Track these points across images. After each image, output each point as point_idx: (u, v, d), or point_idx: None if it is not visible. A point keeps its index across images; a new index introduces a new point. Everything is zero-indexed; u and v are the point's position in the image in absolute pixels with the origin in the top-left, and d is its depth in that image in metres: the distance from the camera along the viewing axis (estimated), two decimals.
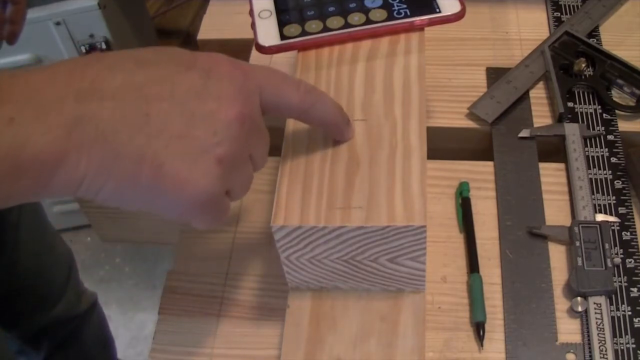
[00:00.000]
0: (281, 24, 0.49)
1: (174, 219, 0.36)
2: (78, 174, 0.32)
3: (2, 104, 0.30)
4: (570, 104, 0.63)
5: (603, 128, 0.61)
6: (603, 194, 0.56)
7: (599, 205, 0.55)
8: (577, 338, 0.49)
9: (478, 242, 0.54)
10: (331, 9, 0.50)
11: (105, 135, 0.32)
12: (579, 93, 0.64)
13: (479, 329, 0.50)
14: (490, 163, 0.60)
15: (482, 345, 0.49)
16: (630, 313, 0.50)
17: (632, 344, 0.48)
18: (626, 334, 0.49)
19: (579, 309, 0.50)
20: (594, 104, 0.63)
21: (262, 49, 0.48)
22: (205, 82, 0.35)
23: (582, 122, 0.61)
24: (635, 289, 0.51)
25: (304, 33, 0.48)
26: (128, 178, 0.33)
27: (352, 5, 0.50)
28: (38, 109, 0.31)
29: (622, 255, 0.52)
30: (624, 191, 0.56)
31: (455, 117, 0.64)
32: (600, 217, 0.54)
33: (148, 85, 0.33)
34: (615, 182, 0.57)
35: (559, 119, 0.61)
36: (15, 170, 0.30)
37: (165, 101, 0.33)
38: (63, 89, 0.32)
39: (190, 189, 0.34)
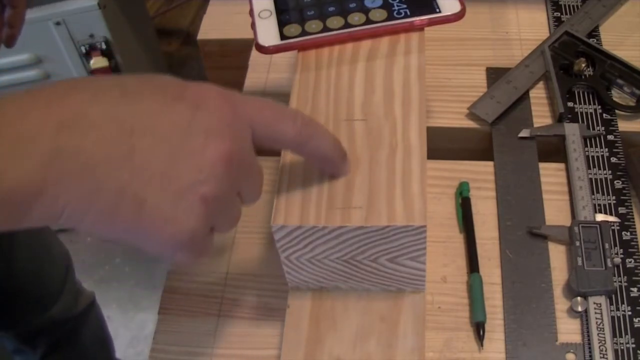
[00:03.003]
0: (281, 24, 0.49)
1: (154, 255, 0.34)
2: (57, 207, 0.31)
3: None
4: (570, 104, 0.63)
5: (603, 128, 0.61)
6: (603, 194, 0.56)
7: (599, 205, 0.55)
8: (577, 338, 0.49)
9: (478, 242, 0.54)
10: (331, 9, 0.50)
11: (86, 168, 0.31)
12: (579, 93, 0.64)
13: (479, 329, 0.50)
14: (490, 163, 0.60)
15: (482, 345, 0.49)
16: (630, 313, 0.50)
17: (632, 344, 0.48)
18: (626, 334, 0.49)
19: (579, 309, 0.50)
20: (594, 104, 0.63)
21: (262, 49, 0.48)
22: (192, 116, 0.33)
23: (582, 122, 0.61)
24: (635, 289, 0.51)
25: (304, 33, 0.49)
26: (108, 213, 0.32)
27: (352, 5, 0.50)
28: (13, 142, 0.29)
29: (622, 255, 0.52)
30: (624, 191, 0.56)
31: (455, 117, 0.64)
32: (600, 217, 0.54)
33: (132, 118, 0.32)
34: (615, 182, 0.57)
35: (559, 119, 0.61)
36: None
37: (149, 136, 0.32)
38: (41, 119, 0.30)
39: (171, 228, 0.33)
